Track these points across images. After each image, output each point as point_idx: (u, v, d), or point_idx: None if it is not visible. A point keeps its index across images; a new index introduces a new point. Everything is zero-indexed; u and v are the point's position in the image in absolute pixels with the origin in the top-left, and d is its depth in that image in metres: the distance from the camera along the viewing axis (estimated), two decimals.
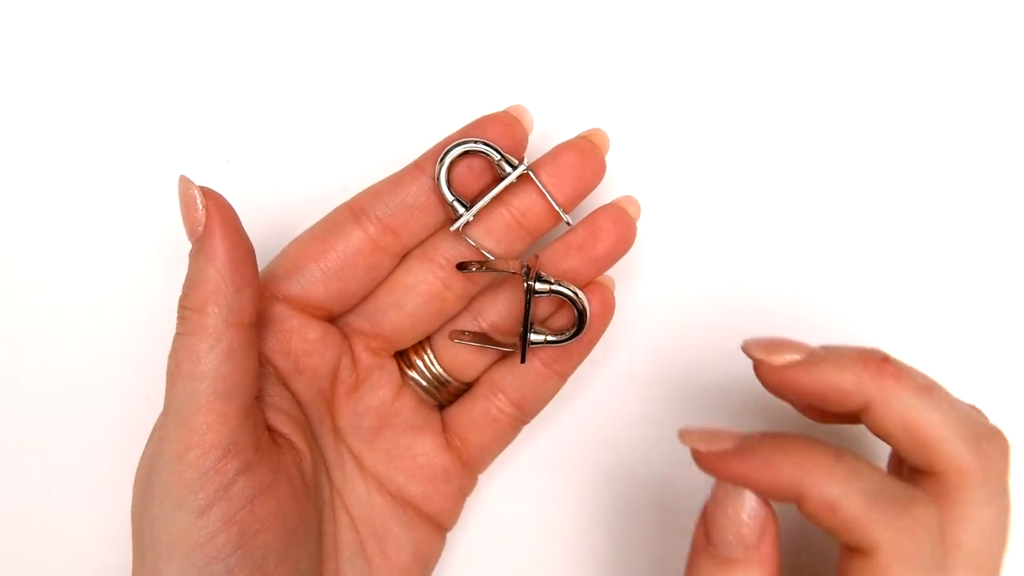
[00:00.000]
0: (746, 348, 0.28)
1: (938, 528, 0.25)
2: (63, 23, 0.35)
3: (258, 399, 0.29)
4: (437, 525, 0.34)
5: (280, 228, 0.36)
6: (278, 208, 0.36)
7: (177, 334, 0.27)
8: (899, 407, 0.26)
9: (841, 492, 0.25)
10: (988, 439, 0.26)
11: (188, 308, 0.27)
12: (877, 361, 0.26)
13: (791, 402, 0.29)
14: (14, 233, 0.34)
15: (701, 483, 0.34)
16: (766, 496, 0.26)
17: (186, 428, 0.26)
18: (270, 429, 0.29)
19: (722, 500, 0.26)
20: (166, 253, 0.36)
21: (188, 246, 0.35)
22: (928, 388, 0.26)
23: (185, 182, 0.27)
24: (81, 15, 0.35)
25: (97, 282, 0.35)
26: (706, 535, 0.26)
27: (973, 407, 0.28)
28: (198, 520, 0.26)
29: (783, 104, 0.37)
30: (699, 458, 0.26)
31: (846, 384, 0.26)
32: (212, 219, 0.27)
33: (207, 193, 0.27)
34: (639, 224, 0.33)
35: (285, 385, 0.31)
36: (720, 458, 0.26)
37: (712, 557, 0.26)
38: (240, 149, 0.36)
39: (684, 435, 0.27)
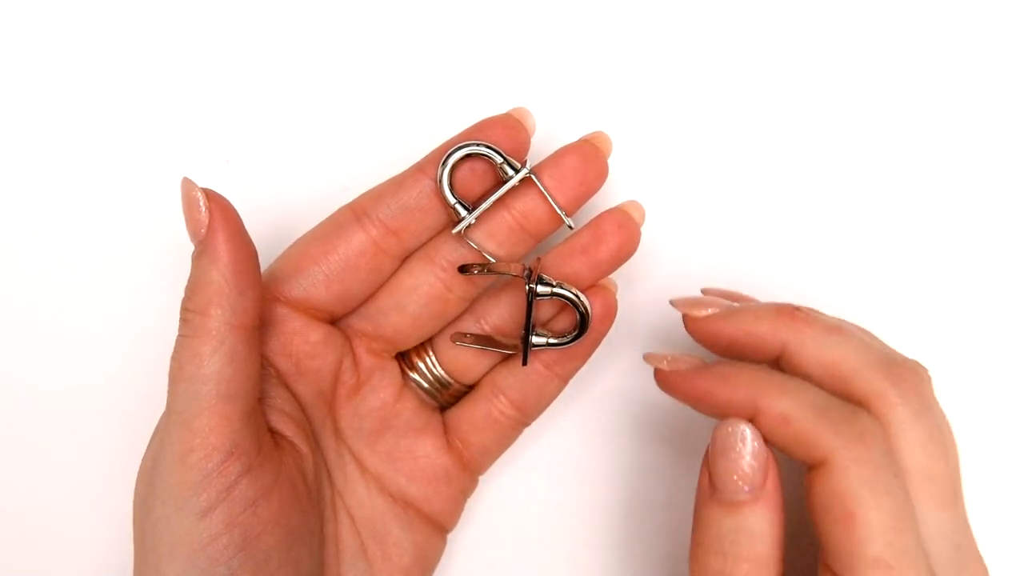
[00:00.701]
0: (673, 303, 0.30)
1: (885, 439, 0.26)
2: (63, 24, 0.35)
3: (260, 401, 0.29)
4: (438, 526, 0.34)
5: (280, 228, 0.36)
6: (278, 208, 0.36)
7: (179, 336, 0.27)
8: (813, 347, 0.27)
9: (793, 405, 0.26)
10: (900, 364, 0.27)
11: (191, 310, 0.27)
12: (789, 310, 0.28)
13: (718, 352, 0.30)
14: (14, 233, 0.34)
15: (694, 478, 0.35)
16: (723, 413, 0.27)
17: (188, 430, 0.26)
18: (272, 431, 0.29)
19: (723, 444, 0.26)
20: (167, 253, 0.36)
21: (190, 247, 0.35)
22: (838, 327, 0.28)
23: (188, 184, 0.27)
24: (81, 16, 0.35)
25: (98, 282, 0.35)
26: (710, 482, 0.27)
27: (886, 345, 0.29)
28: (200, 522, 0.26)
29: (787, 108, 0.37)
30: (661, 377, 0.28)
31: (762, 331, 0.28)
32: (215, 221, 0.27)
33: (210, 195, 0.27)
34: (642, 228, 0.33)
35: (287, 387, 0.31)
36: (680, 376, 0.27)
37: (719, 503, 0.26)
38: (240, 149, 0.36)
39: (648, 357, 0.29)
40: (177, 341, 0.27)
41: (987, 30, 0.36)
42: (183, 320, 0.27)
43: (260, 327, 0.28)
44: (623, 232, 0.32)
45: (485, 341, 0.33)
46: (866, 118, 0.36)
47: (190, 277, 0.28)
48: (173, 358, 0.27)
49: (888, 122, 0.36)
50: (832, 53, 0.36)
